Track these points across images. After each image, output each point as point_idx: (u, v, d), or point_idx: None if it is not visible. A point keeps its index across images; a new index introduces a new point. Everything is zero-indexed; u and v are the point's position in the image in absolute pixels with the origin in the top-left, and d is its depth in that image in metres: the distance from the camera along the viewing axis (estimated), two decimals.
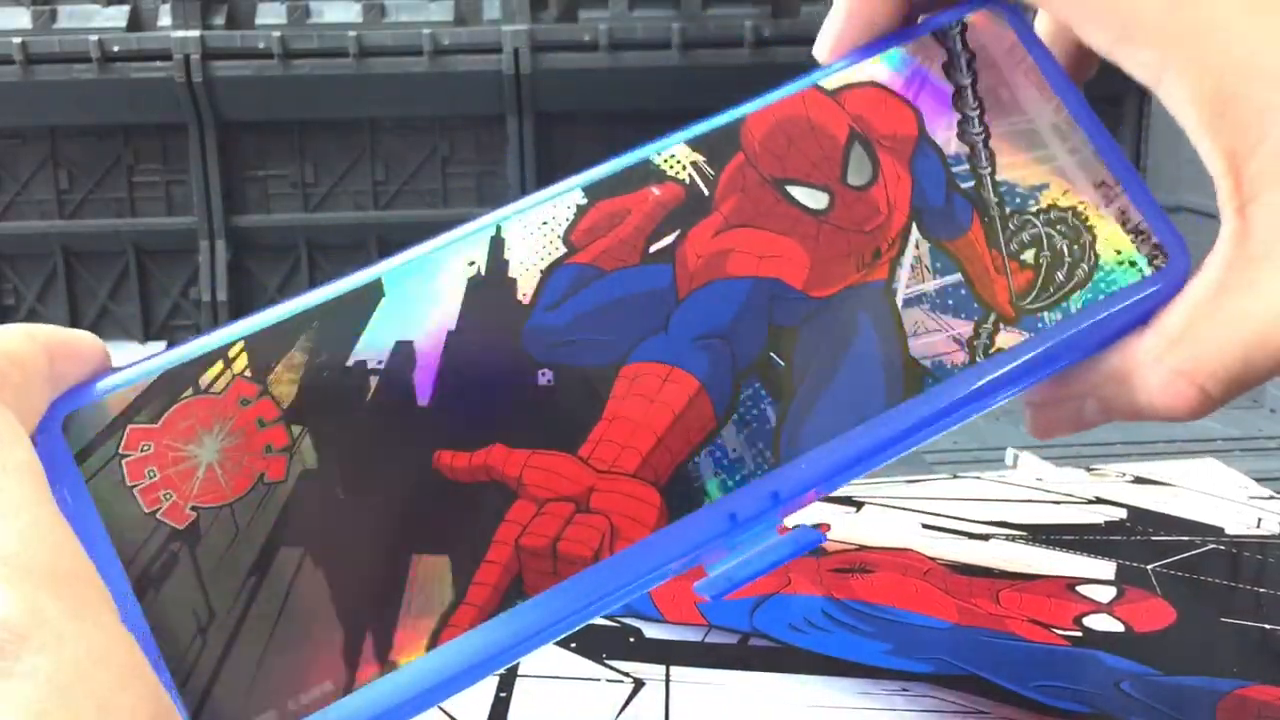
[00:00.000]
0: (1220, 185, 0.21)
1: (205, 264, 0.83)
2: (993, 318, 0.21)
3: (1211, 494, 0.43)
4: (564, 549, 0.18)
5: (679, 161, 0.21)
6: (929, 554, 0.37)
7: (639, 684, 0.30)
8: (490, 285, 0.20)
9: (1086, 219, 0.22)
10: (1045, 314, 0.21)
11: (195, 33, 0.78)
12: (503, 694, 0.30)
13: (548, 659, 0.31)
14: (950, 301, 0.21)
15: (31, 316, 0.84)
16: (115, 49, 0.78)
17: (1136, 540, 0.39)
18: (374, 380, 0.19)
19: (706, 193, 0.21)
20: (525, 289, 0.20)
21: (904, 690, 0.29)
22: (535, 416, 0.19)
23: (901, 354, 0.20)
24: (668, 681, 0.30)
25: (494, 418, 0.19)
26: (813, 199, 0.21)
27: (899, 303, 0.21)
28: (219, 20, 0.80)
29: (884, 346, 0.20)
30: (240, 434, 0.18)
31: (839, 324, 0.20)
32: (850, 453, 0.20)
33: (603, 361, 0.19)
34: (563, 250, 0.20)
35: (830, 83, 0.22)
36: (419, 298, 0.19)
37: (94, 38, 0.77)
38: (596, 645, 0.32)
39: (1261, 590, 0.35)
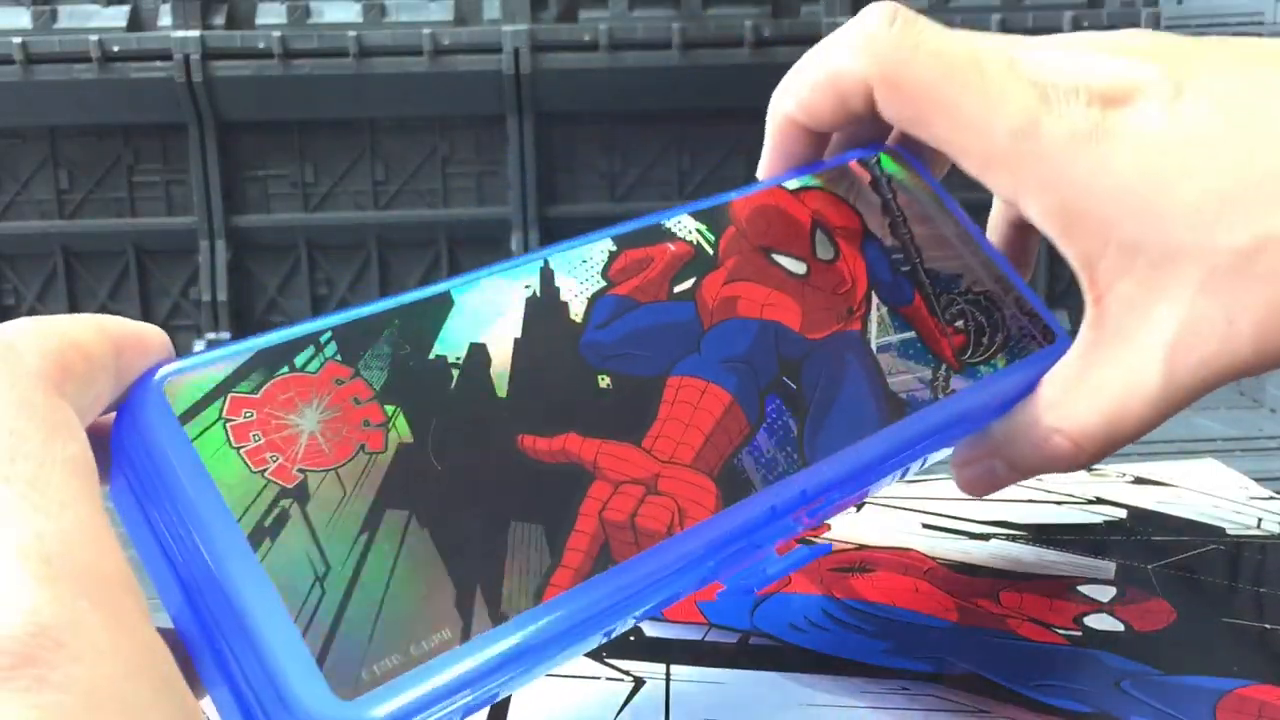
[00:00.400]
0: (1081, 281, 0.25)
1: (205, 264, 0.83)
2: (944, 367, 0.26)
3: (1212, 494, 0.43)
4: (641, 523, 0.21)
5: (685, 227, 0.25)
6: (929, 553, 0.38)
7: (639, 682, 0.30)
8: (546, 305, 0.23)
9: (994, 301, 0.27)
10: (981, 367, 0.26)
11: (195, 33, 0.78)
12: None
13: None
14: (911, 351, 0.26)
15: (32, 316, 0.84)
16: (115, 49, 0.78)
17: (1137, 540, 0.39)
18: (455, 373, 0.21)
19: (711, 252, 0.25)
20: (576, 311, 0.23)
21: (905, 689, 0.29)
22: (601, 412, 0.22)
23: (884, 387, 0.25)
24: (668, 680, 0.30)
25: (565, 411, 0.21)
26: (794, 265, 0.26)
27: (874, 348, 0.26)
28: (219, 20, 0.80)
29: (870, 380, 0.25)
30: (338, 409, 0.19)
31: (833, 360, 0.25)
32: (860, 460, 0.24)
33: (650, 372, 0.23)
34: (603, 283, 0.24)
35: (790, 185, 0.28)
36: (485, 310, 0.22)
37: (94, 38, 0.77)
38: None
39: (1262, 590, 0.35)
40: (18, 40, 0.77)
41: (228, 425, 0.18)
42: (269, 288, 0.85)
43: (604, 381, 0.22)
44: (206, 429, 0.18)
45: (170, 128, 0.82)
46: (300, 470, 0.18)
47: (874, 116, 0.28)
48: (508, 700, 0.29)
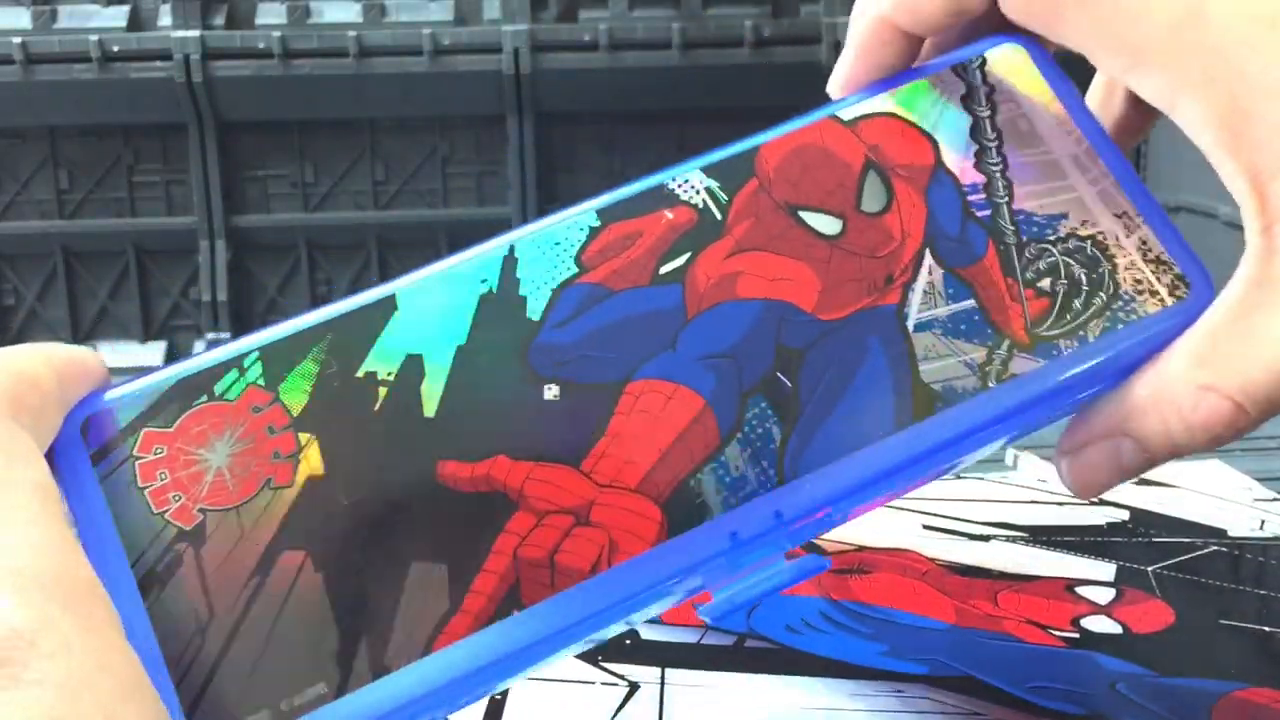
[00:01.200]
0: (1244, 205, 0.21)
1: (205, 264, 0.82)
2: (1006, 344, 0.21)
3: (1215, 496, 0.43)
4: (561, 561, 0.18)
5: (693, 187, 0.22)
6: (928, 555, 0.37)
7: (634, 686, 0.30)
8: (501, 303, 0.20)
9: (1106, 248, 0.22)
10: (1061, 341, 0.21)
11: (195, 33, 0.78)
12: (497, 697, 0.29)
13: None
14: (963, 327, 0.21)
15: (31, 316, 0.84)
16: (115, 49, 0.78)
17: (1138, 541, 0.38)
18: (382, 391, 0.19)
19: (719, 217, 0.21)
20: (535, 307, 0.20)
21: (899, 691, 0.29)
22: (539, 430, 0.19)
23: (911, 377, 0.20)
24: (663, 684, 0.30)
25: (498, 430, 0.19)
26: (826, 224, 0.21)
27: (910, 327, 0.21)
28: (219, 20, 0.80)
29: (894, 369, 0.20)
30: (250, 440, 0.19)
31: (848, 346, 0.20)
32: (856, 475, 0.19)
33: (608, 378, 0.20)
34: (574, 270, 0.20)
35: (847, 114, 0.23)
36: (431, 313, 0.20)
37: (94, 38, 0.77)
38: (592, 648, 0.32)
39: (1262, 593, 0.35)
40: (18, 40, 0.77)
41: (137, 464, 0.18)
42: (269, 288, 0.85)
43: (550, 393, 0.19)
44: (116, 468, 0.18)
45: (170, 128, 0.82)
46: (201, 510, 0.18)
47: (989, 17, 0.23)
48: (503, 704, 0.29)
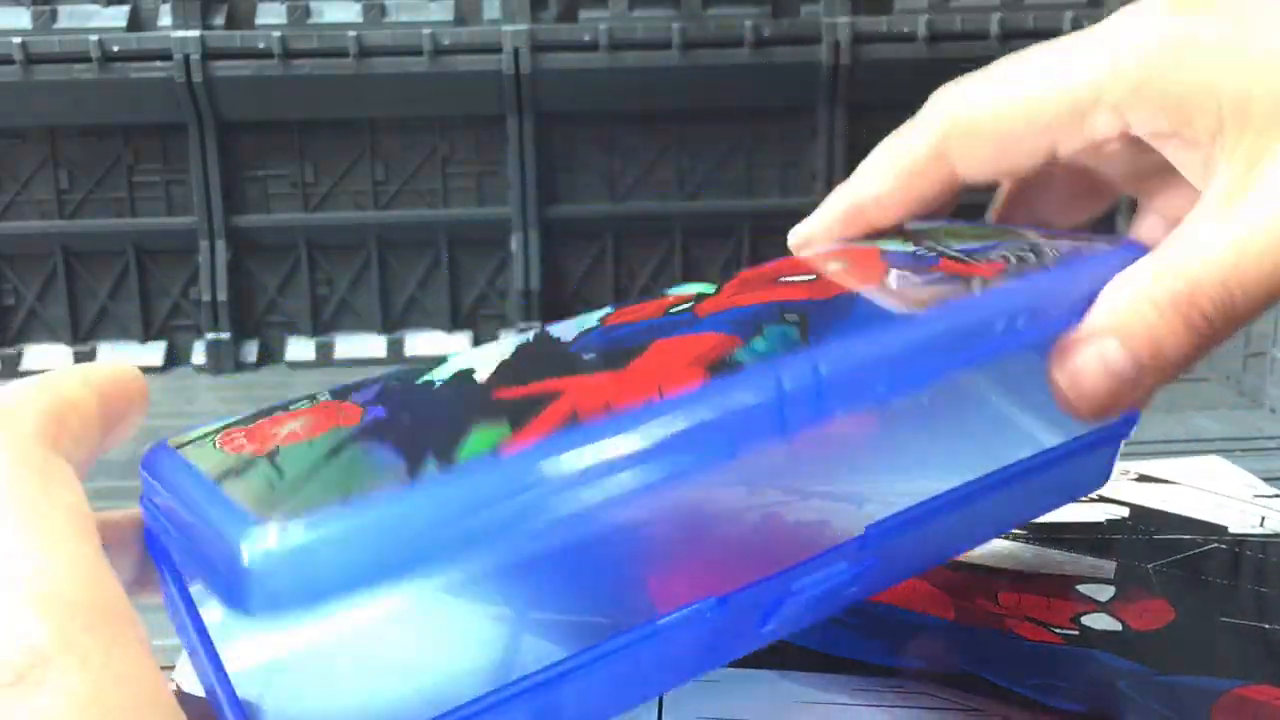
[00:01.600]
0: (1193, 166, 0.24)
1: (205, 264, 0.83)
2: (981, 278, 0.24)
3: (1216, 492, 0.43)
4: (618, 404, 0.20)
5: (686, 289, 0.26)
6: None
7: None
8: (536, 341, 0.23)
9: (1040, 248, 0.26)
10: (1030, 271, 0.25)
11: (195, 33, 0.79)
12: None
13: None
14: (940, 278, 0.25)
15: (31, 316, 0.84)
16: (115, 49, 0.78)
17: (1138, 539, 0.38)
18: (438, 383, 0.22)
19: (712, 292, 0.25)
20: (565, 340, 0.23)
21: (899, 687, 0.29)
22: (582, 363, 0.22)
23: (908, 299, 0.24)
24: None
25: (545, 374, 0.21)
26: (802, 279, 0.26)
27: (893, 285, 0.25)
28: (219, 20, 0.80)
29: (888, 298, 0.24)
30: (322, 415, 0.21)
31: (845, 302, 0.24)
32: (879, 342, 0.22)
33: (638, 341, 0.22)
34: (596, 324, 0.24)
35: (802, 254, 0.28)
36: (478, 352, 0.23)
37: (94, 38, 0.78)
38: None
39: (1263, 590, 0.35)
40: (18, 40, 0.77)
41: (216, 440, 0.20)
42: (269, 288, 0.85)
43: (588, 355, 0.22)
44: (199, 448, 0.20)
45: (170, 128, 0.82)
46: (276, 446, 0.20)
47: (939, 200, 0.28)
48: None
